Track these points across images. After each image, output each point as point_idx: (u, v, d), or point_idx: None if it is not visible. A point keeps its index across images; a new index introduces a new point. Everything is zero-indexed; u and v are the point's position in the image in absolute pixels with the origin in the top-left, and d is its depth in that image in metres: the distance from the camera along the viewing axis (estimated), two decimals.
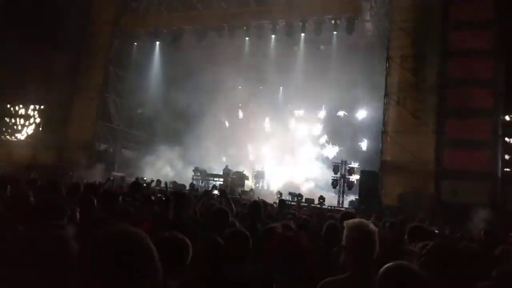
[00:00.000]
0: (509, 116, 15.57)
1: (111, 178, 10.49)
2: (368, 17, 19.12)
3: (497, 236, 5.40)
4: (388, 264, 2.05)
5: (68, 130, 21.38)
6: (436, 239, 4.41)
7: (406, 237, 4.46)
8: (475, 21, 15.77)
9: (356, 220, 2.81)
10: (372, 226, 2.75)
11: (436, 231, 6.67)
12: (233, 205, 6.29)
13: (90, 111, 21.50)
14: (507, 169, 15.55)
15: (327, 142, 22.41)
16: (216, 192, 10.81)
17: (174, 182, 18.87)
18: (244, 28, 20.32)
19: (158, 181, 18.68)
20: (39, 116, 22.59)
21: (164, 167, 21.44)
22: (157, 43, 23.39)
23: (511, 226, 10.26)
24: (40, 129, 22.49)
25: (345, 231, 2.67)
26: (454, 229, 8.89)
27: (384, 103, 16.86)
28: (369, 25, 19.44)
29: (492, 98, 15.37)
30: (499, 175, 15.31)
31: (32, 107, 22.49)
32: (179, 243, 2.22)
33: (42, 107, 22.48)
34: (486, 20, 15.68)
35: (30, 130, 22.52)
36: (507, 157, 15.77)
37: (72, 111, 21.70)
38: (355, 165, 19.02)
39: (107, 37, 22.40)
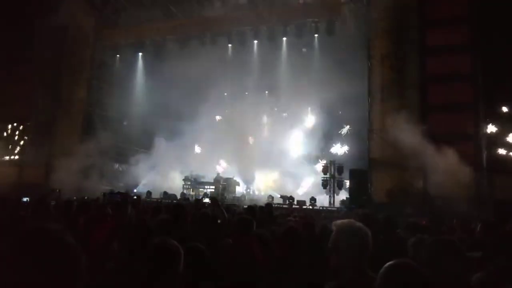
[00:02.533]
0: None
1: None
2: (347, 18, 19.37)
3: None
4: (389, 263, 2.02)
5: (54, 146, 21.20)
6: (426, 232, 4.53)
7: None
8: (450, 18, 16.15)
9: (345, 221, 2.77)
10: (363, 226, 2.75)
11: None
12: (225, 212, 6.37)
13: (75, 126, 21.36)
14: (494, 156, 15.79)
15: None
16: (207, 200, 10.84)
17: (165, 192, 18.85)
18: (226, 35, 20.44)
19: (148, 193, 18.68)
20: (23, 134, 22.37)
21: (154, 178, 21.37)
22: (140, 54, 23.37)
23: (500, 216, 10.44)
24: (24, 147, 22.26)
25: (335, 234, 2.60)
26: (442, 222, 9.03)
27: (368, 102, 17.10)
28: (349, 26, 19.68)
29: (473, 91, 15.73)
30: (484, 166, 15.62)
31: (13, 125, 22.26)
32: (169, 249, 2.24)
33: (24, 126, 22.26)
34: (461, 16, 16.07)
35: (14, 148, 22.29)
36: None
37: (57, 127, 21.53)
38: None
39: (88, 51, 22.33)
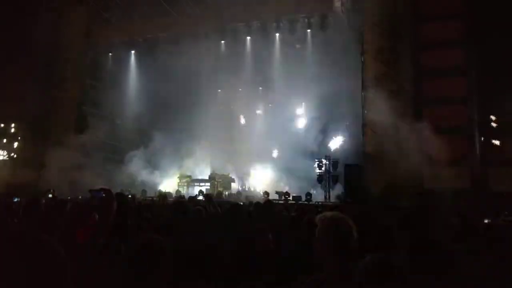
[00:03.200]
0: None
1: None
2: (341, 13, 19.34)
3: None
4: (368, 257, 2.09)
5: (46, 146, 21.02)
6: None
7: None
8: (444, 12, 16.19)
9: (330, 213, 2.80)
10: (349, 220, 2.76)
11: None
12: (219, 209, 6.38)
13: (68, 125, 21.22)
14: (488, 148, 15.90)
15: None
16: (201, 197, 10.82)
17: (160, 191, 18.79)
18: (219, 31, 20.37)
19: (144, 191, 18.61)
20: (16, 134, 22.23)
21: (149, 177, 21.30)
22: (133, 52, 23.24)
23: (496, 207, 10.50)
24: (17, 146, 22.11)
25: (320, 225, 2.66)
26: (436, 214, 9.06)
27: (362, 96, 17.10)
28: (342, 21, 19.64)
29: (466, 85, 15.81)
30: (478, 158, 15.72)
31: (5, 125, 22.10)
32: (155, 247, 2.19)
33: (16, 125, 22.10)
34: (454, 10, 16.10)
35: (6, 148, 22.14)
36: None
37: (49, 126, 21.35)
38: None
39: (81, 49, 22.18)
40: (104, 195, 2.37)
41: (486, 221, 7.09)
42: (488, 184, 15.16)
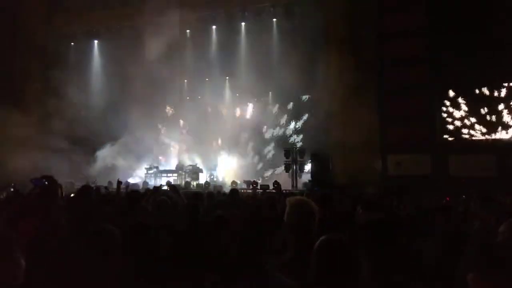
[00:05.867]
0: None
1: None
2: (306, 2, 19.45)
3: None
4: (322, 237, 2.19)
5: (8, 139, 20.29)
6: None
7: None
8: (406, 2, 16.59)
9: (297, 197, 2.98)
10: (312, 203, 2.93)
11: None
12: (184, 199, 6.41)
13: (30, 118, 20.53)
14: (448, 136, 16.47)
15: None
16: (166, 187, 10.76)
17: (126, 182, 18.50)
18: (184, 21, 20.08)
19: (109, 183, 18.28)
20: None
21: (115, 167, 20.95)
22: (95, 41, 22.69)
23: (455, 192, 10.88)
24: None
25: (287, 209, 2.81)
26: (400, 200, 9.37)
27: (326, 86, 17.35)
28: (308, 10, 19.74)
29: (427, 74, 16.30)
30: (439, 145, 16.30)
31: None
32: (106, 233, 2.25)
33: None
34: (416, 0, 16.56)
35: None
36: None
37: (11, 119, 20.60)
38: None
39: (41, 38, 21.46)
40: (46, 183, 2.35)
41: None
42: (448, 170, 15.76)
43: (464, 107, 16.37)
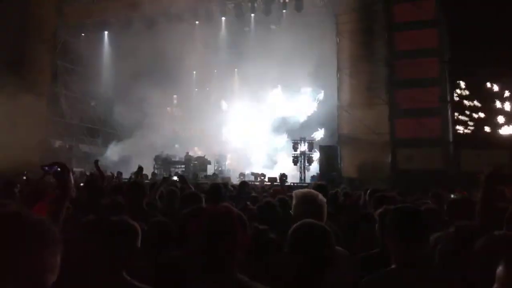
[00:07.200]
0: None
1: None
2: None
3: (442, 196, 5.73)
4: (298, 222, 2.22)
5: (16, 129, 20.42)
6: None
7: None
8: None
9: (305, 190, 2.95)
10: (320, 196, 2.89)
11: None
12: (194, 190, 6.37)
13: (40, 107, 20.66)
14: (460, 130, 16.19)
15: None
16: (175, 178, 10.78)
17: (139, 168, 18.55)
18: (192, 11, 19.98)
19: (119, 173, 18.36)
20: None
21: (124, 158, 21.03)
22: (106, 33, 22.72)
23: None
24: None
25: (294, 201, 2.79)
26: (411, 194, 9.29)
27: (337, 78, 17.21)
28: (318, 2, 19.56)
29: (438, 66, 16.05)
30: (451, 139, 16.06)
31: None
32: (127, 227, 2.26)
33: None
34: None
35: None
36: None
37: (19, 108, 20.73)
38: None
39: (52, 29, 21.51)
40: (59, 169, 2.32)
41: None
42: (459, 165, 15.52)
43: (476, 102, 16.10)
